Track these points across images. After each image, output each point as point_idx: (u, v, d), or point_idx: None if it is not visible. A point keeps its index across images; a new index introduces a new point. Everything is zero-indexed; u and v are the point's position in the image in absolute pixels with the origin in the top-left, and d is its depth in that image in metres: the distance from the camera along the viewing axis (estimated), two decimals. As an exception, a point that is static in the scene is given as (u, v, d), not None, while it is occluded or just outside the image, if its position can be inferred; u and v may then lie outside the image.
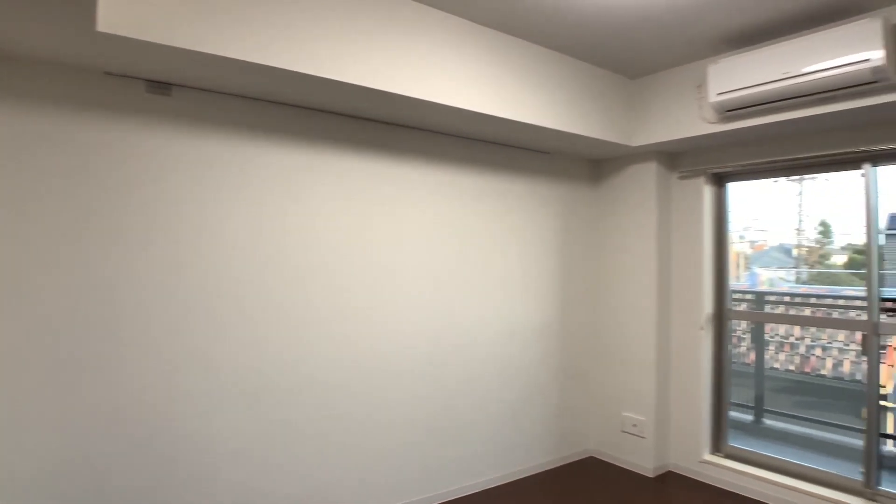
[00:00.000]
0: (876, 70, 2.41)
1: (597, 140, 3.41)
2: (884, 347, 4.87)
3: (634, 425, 3.78)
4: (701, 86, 3.17)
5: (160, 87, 2.39)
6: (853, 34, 2.48)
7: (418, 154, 3.18)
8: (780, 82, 2.68)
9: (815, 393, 5.82)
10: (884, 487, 3.04)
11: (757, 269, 11.60)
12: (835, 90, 2.59)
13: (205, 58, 2.05)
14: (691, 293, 3.73)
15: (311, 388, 2.77)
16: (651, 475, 3.70)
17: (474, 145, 3.42)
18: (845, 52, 2.49)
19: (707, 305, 3.69)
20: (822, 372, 6.02)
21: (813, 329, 6.16)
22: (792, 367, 6.25)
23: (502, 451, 3.54)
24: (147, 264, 2.34)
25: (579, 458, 4.01)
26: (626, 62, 3.33)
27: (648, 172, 3.77)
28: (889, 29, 2.44)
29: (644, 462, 3.74)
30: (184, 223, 2.43)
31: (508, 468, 3.58)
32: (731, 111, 2.97)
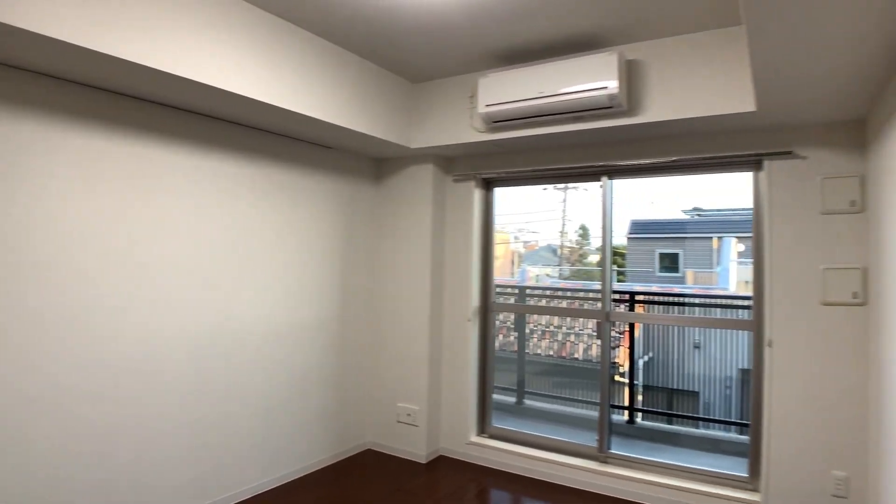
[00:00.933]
0: (611, 97, 2.84)
1: (378, 139, 3.49)
2: (622, 333, 5.81)
3: (409, 415, 3.96)
4: (472, 96, 3.44)
5: None
6: (595, 64, 2.90)
7: (190, 139, 2.93)
8: (537, 100, 3.02)
9: (570, 374, 6.72)
10: (613, 450, 3.60)
11: (527, 267, 12.91)
12: (581, 111, 3.00)
13: None
14: (461, 288, 4.02)
15: (54, 394, 2.38)
16: (424, 461, 3.90)
17: (255, 135, 3.27)
18: (589, 80, 2.90)
19: (475, 299, 4.01)
20: (576, 355, 6.96)
21: (569, 318, 7.08)
22: (552, 353, 7.12)
23: (278, 453, 3.44)
24: None
25: (357, 451, 4.08)
26: (407, 66, 3.46)
27: (426, 174, 3.97)
28: (623, 63, 2.90)
29: (417, 449, 3.94)
30: None
31: (285, 469, 3.49)
32: (496, 122, 3.26)
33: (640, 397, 6.19)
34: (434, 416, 4.00)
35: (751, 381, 3.24)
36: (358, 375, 4.08)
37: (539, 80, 3.03)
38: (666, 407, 6.59)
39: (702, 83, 2.82)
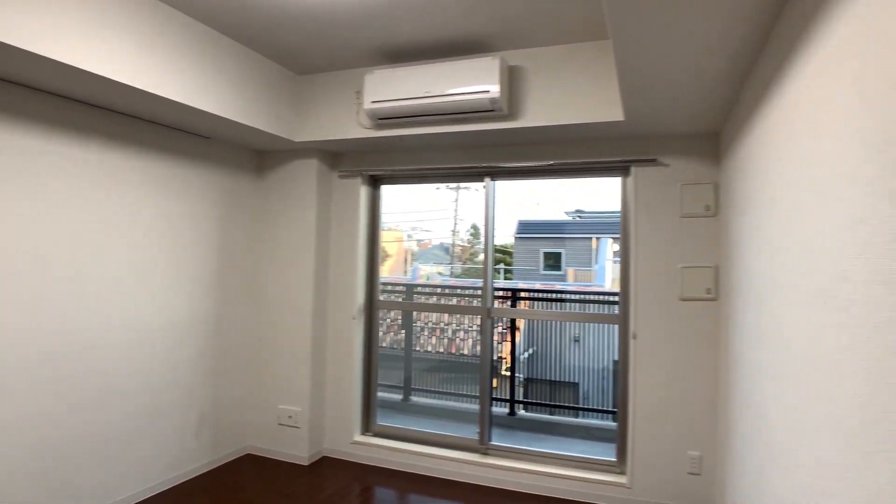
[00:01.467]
0: (493, 101, 2.93)
1: (259, 131, 3.36)
2: (507, 329, 6.01)
3: (290, 417, 3.85)
4: (359, 92, 3.41)
5: None
6: (479, 68, 2.97)
7: (46, 123, 2.65)
8: (423, 99, 3.05)
9: (458, 370, 6.83)
10: (494, 442, 3.72)
11: (419, 265, 13.00)
12: (464, 113, 3.07)
13: None
14: (346, 286, 3.97)
15: None
16: (307, 463, 3.81)
17: (125, 121, 3.03)
18: (473, 83, 2.97)
19: (360, 297, 3.97)
20: (464, 352, 7.10)
21: (458, 315, 7.21)
22: (441, 350, 7.21)
23: (147, 462, 3.21)
24: None
25: (236, 456, 3.91)
26: (293, 57, 3.36)
27: (310, 169, 3.87)
28: (504, 69, 3.00)
29: (300, 451, 3.84)
30: None
31: (155, 479, 3.26)
32: (382, 119, 3.26)
33: (522, 390, 6.44)
34: (317, 416, 3.92)
35: (619, 364, 3.48)
36: (237, 377, 3.91)
37: (425, 79, 3.06)
38: (548, 398, 6.91)
39: (577, 92, 2.98)
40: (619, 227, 3.41)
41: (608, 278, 11.09)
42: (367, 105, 3.19)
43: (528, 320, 6.71)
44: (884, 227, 0.99)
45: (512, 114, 3.09)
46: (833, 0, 1.25)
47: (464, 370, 6.85)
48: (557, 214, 14.11)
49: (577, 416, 5.87)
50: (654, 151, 3.25)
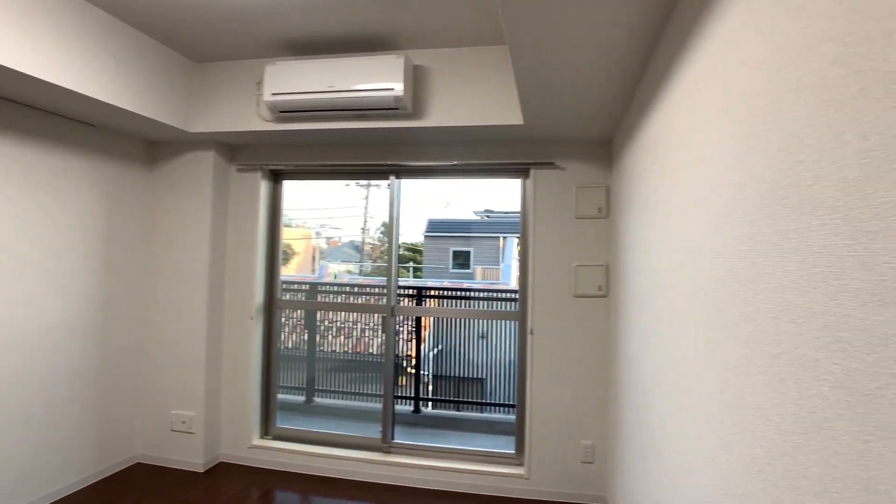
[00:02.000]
0: (398, 98, 2.94)
1: (151, 120, 3.18)
2: (415, 326, 6.03)
3: (184, 422, 3.67)
4: (260, 83, 3.31)
5: None
6: (384, 65, 2.97)
7: None
8: (327, 94, 3.01)
9: (364, 369, 6.77)
10: (397, 440, 3.73)
11: (326, 263, 12.79)
12: (368, 109, 3.06)
13: None
14: (244, 284, 3.83)
15: None
16: (202, 470, 3.65)
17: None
18: (377, 80, 2.96)
19: (259, 296, 3.85)
20: (371, 350, 7.05)
21: (366, 314, 7.15)
22: (347, 349, 7.12)
23: (24, 478, 2.95)
24: None
25: (125, 466, 3.67)
26: (190, 45, 3.20)
27: (206, 161, 3.70)
28: (409, 67, 3.02)
29: (195, 458, 3.67)
30: None
31: (34, 495, 3.00)
32: (283, 112, 3.18)
33: (430, 387, 6.49)
34: (213, 421, 3.76)
35: (517, 359, 3.59)
36: (125, 382, 3.67)
37: (329, 74, 3.02)
38: (455, 395, 7.01)
39: (480, 94, 3.05)
40: (520, 226, 3.53)
41: (514, 276, 11.42)
42: (268, 97, 3.10)
43: (437, 318, 6.78)
44: (742, 230, 1.09)
45: (416, 113, 3.12)
46: (706, 21, 1.36)
47: (370, 369, 6.81)
48: (467, 214, 14.34)
49: (481, 411, 6.01)
50: (551, 155, 3.39)
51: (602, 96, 2.50)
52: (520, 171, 3.50)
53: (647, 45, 1.93)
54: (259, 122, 3.33)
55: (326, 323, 6.93)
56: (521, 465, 3.47)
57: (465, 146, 3.52)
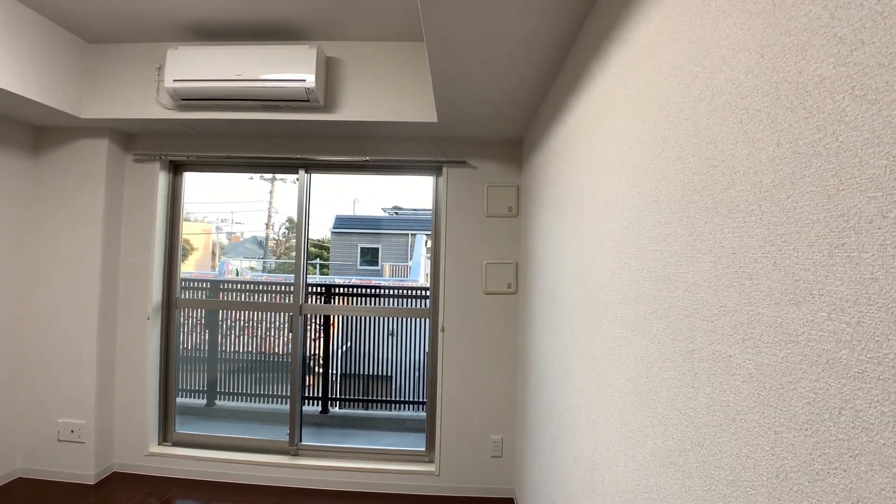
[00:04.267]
0: (309, 90, 2.84)
1: (35, 102, 2.88)
2: (322, 325, 5.89)
3: (73, 431, 3.37)
4: (161, 68, 3.09)
5: None
6: (296, 55, 2.86)
7: None
8: (233, 82, 2.86)
9: (270, 370, 6.53)
10: (304, 441, 3.62)
11: (227, 259, 12.25)
12: (279, 100, 2.93)
13: None
14: (139, 282, 3.56)
15: None
16: (93, 481, 3.37)
17: None
18: (288, 70, 2.85)
19: (156, 294, 3.61)
20: (277, 350, 6.81)
21: (271, 313, 6.89)
22: (251, 349, 6.84)
23: None
24: None
25: (3, 482, 3.31)
26: (83, 23, 2.92)
27: (99, 150, 3.41)
28: (322, 59, 2.93)
29: (85, 469, 3.37)
30: None
31: None
32: (186, 100, 2.98)
33: (338, 386, 6.37)
34: (105, 429, 3.47)
35: (429, 356, 3.60)
36: (4, 389, 3.31)
37: (237, 61, 2.86)
38: (363, 393, 6.92)
39: (394, 90, 3.01)
40: (431, 224, 3.53)
41: (422, 273, 11.46)
42: (170, 83, 2.90)
43: (345, 316, 6.67)
44: (656, 231, 1.13)
45: (328, 106, 3.03)
46: (622, 27, 1.40)
47: (275, 370, 6.58)
48: (375, 210, 14.24)
49: (390, 409, 5.97)
50: (464, 154, 3.41)
51: (516, 95, 2.54)
52: (433, 168, 3.50)
53: (563, 45, 1.98)
54: (159, 109, 3.11)
55: (229, 322, 6.62)
56: (431, 461, 3.48)
57: (378, 142, 3.47)
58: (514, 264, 3.35)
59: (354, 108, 3.03)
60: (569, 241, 1.97)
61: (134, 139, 3.60)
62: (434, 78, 2.32)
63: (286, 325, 6.51)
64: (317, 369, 5.54)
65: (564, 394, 1.95)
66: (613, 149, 1.41)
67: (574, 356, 1.81)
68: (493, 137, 3.34)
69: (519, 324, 3.30)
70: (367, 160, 3.44)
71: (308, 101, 2.91)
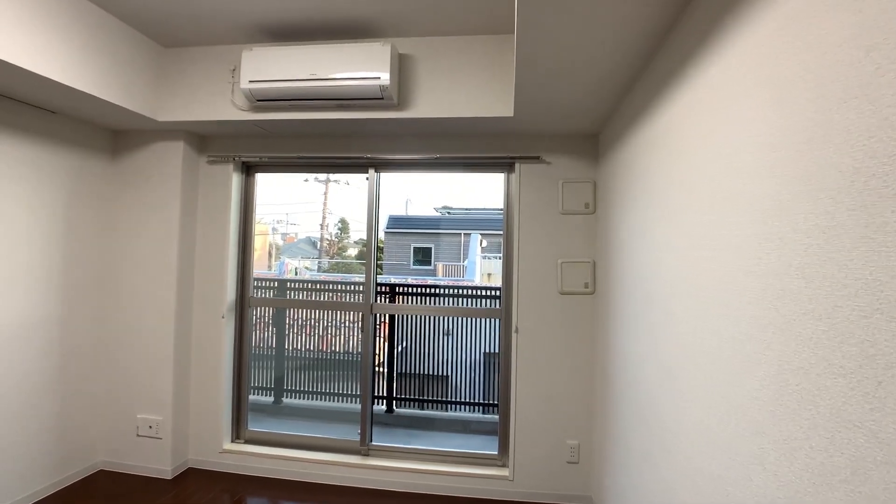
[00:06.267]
0: (383, 88, 2.81)
1: (115, 106, 2.95)
2: (380, 324, 5.89)
3: (150, 427, 3.45)
4: (235, 70, 3.12)
5: None
6: (370, 53, 2.83)
7: None
8: (308, 82, 2.85)
9: (333, 368, 6.58)
10: (375, 442, 3.60)
11: (286, 259, 12.49)
12: (352, 99, 2.92)
13: None
14: (214, 282, 3.62)
15: None
16: (170, 476, 3.44)
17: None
18: (362, 68, 2.82)
19: (230, 294, 3.66)
20: (337, 349, 6.86)
21: (330, 311, 6.95)
22: (312, 347, 6.91)
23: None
24: None
25: (87, 474, 3.42)
26: (158, 27, 2.98)
27: (175, 152, 3.48)
28: (395, 56, 2.89)
29: (162, 464, 3.45)
30: None
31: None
32: (261, 101, 3.00)
33: (395, 385, 6.36)
34: (181, 425, 3.55)
35: (499, 364, 3.52)
36: (88, 385, 3.43)
37: (311, 61, 2.86)
38: (419, 393, 6.90)
39: (468, 86, 2.95)
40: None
41: (478, 273, 11.38)
42: (245, 84, 2.92)
43: (398, 315, 6.66)
44: (806, 224, 1.03)
45: (401, 103, 3.00)
46: (742, 3, 1.29)
47: (341, 368, 6.63)
48: (427, 211, 14.24)
49: (448, 409, 5.91)
50: (538, 149, 3.32)
51: (600, 88, 2.44)
52: (504, 165, 3.43)
53: (658, 33, 1.87)
54: (233, 111, 3.15)
55: (294, 320, 6.71)
56: (504, 466, 3.40)
57: (448, 139, 3.41)
58: (592, 263, 3.24)
59: (428, 104, 2.98)
60: (668, 238, 1.86)
61: (207, 141, 3.67)
62: (518, 68, 2.24)
63: (351, 325, 6.52)
64: (379, 368, 5.53)
65: (666, 399, 1.84)
66: (740, 137, 1.31)
67: (680, 360, 1.70)
68: (568, 132, 3.24)
69: (597, 325, 3.18)
70: (438, 158, 3.39)
71: (382, 98, 2.88)
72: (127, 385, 3.51)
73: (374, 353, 3.72)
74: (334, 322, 6.81)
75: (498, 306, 3.57)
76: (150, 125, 3.36)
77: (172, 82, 3.24)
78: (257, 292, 5.38)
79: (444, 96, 2.97)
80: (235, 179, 3.65)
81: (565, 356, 3.28)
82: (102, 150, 3.49)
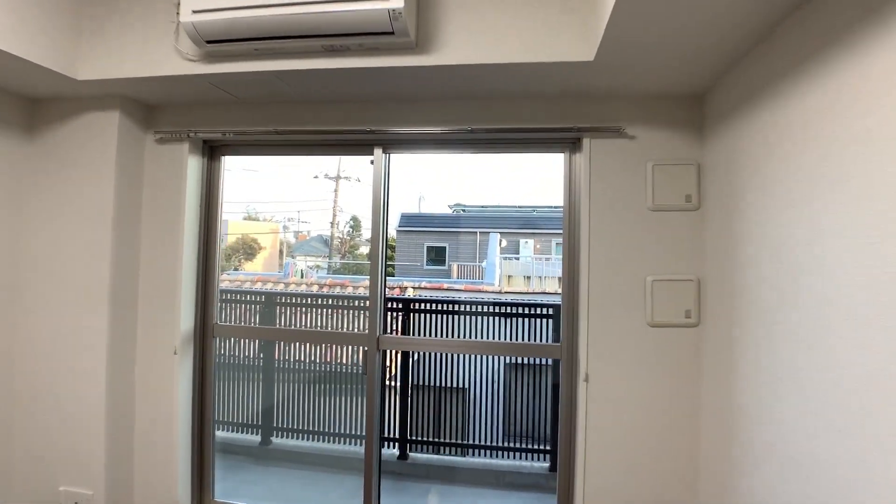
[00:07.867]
0: (394, 14, 1.82)
1: (18, 59, 2.01)
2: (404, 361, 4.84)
3: (77, 503, 2.50)
4: (179, 4, 2.13)
5: None
6: (371, -33, 1.84)
7: None
8: (280, 8, 1.87)
9: (339, 381, 5.53)
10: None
11: (291, 261, 11.65)
12: (347, 35, 1.93)
13: None
14: (164, 304, 2.64)
15: None
16: (104, 569, 2.49)
17: None
18: (360, -14, 1.84)
19: (186, 319, 2.67)
20: (347, 361, 5.87)
21: (340, 308, 5.95)
22: (314, 359, 5.89)
23: None
24: None
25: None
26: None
27: (108, 126, 2.50)
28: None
29: (93, 554, 2.49)
30: None
31: None
32: (212, 43, 2.02)
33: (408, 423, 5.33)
34: (121, 499, 2.58)
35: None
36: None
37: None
38: (433, 409, 5.87)
39: (522, 15, 1.96)
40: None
41: (497, 275, 10.40)
42: (187, 16, 1.95)
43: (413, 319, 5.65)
44: None
45: (421, 44, 2.01)
46: None
47: (344, 381, 5.62)
48: (440, 208, 13.39)
49: (469, 454, 4.80)
50: (617, 117, 2.32)
51: (719, 33, 1.48)
52: (567, 141, 2.42)
53: None
54: (178, 62, 2.17)
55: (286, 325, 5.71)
56: (564, 560, 2.41)
57: (485, 104, 2.42)
58: (696, 281, 2.23)
59: (461, 45, 1.99)
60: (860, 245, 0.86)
61: (156, 113, 2.69)
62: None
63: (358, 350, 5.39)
64: (391, 382, 4.47)
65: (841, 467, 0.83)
66: None
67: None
68: (660, 91, 2.24)
69: (703, 368, 2.18)
70: (472, 131, 2.39)
71: (393, 33, 1.89)
72: (46, 447, 2.55)
73: (384, 398, 2.74)
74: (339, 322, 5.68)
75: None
76: (71, 89, 2.40)
77: (98, 27, 2.27)
78: (237, 308, 4.41)
79: (485, 32, 1.97)
80: (193, 163, 2.66)
81: (658, 412, 2.27)
82: (14, 125, 2.53)
